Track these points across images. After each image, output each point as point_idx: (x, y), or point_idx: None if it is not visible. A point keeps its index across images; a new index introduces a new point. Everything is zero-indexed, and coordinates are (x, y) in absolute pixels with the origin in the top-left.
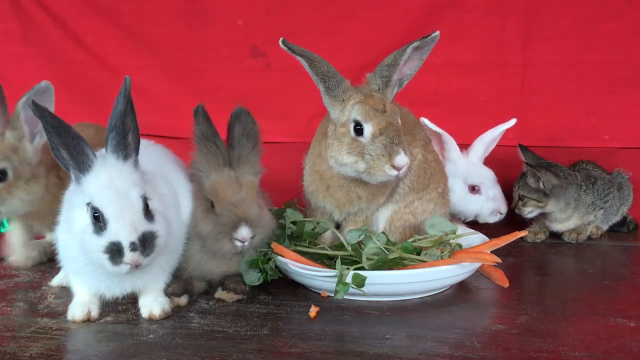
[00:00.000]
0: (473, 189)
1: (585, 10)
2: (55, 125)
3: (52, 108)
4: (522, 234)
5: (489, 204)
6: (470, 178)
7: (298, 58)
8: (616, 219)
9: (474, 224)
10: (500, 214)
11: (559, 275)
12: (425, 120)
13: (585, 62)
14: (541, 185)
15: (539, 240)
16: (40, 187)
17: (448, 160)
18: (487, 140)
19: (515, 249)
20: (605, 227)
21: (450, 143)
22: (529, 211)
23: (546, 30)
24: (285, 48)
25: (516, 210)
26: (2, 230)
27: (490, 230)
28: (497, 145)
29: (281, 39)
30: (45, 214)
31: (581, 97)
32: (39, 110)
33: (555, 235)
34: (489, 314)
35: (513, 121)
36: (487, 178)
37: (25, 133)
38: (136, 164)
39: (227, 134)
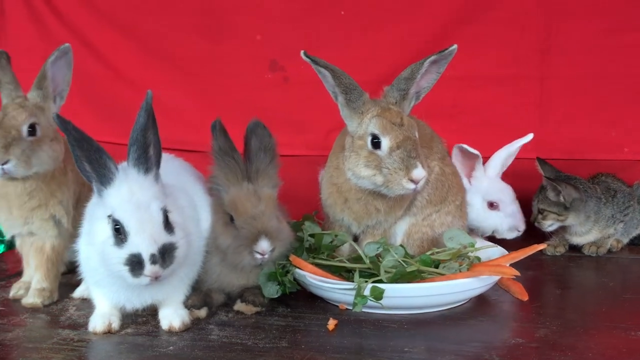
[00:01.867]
0: (492, 205)
1: (603, 22)
2: (78, 139)
3: (70, 72)
4: (541, 247)
5: (508, 220)
6: (489, 194)
7: (322, 70)
8: (637, 232)
9: (492, 238)
10: (518, 231)
11: (579, 289)
12: (464, 146)
13: (603, 75)
14: (561, 199)
15: (559, 254)
16: (61, 147)
17: (474, 178)
18: (504, 155)
19: (534, 262)
20: (625, 240)
21: (480, 162)
22: (549, 224)
23: (564, 43)
24: (309, 60)
25: (536, 224)
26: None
27: (509, 243)
28: (515, 158)
29: (302, 51)
30: (51, 179)
31: (600, 109)
32: (63, 124)
33: (576, 249)
34: (508, 327)
35: (530, 136)
36: (506, 194)
37: (49, 93)
38: (157, 177)
39: (244, 147)
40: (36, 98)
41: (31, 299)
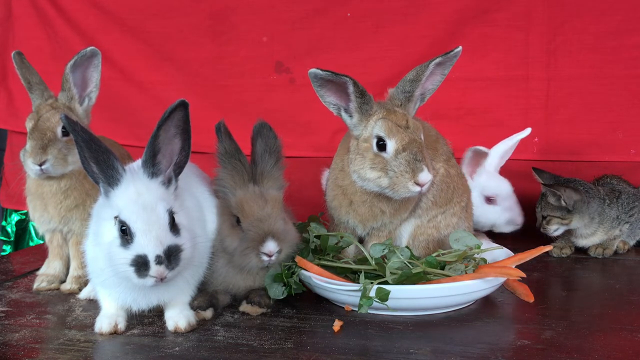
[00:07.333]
0: (489, 199)
1: (609, 24)
2: (86, 140)
3: (98, 74)
4: (547, 248)
5: (505, 214)
6: (486, 189)
7: (343, 79)
8: None
9: (498, 238)
10: (516, 224)
11: (585, 291)
12: (479, 148)
13: (610, 76)
14: (563, 203)
15: (565, 255)
16: None
17: (475, 174)
18: (502, 150)
19: (540, 264)
20: (632, 242)
21: (487, 159)
22: (554, 229)
23: (570, 44)
24: (325, 74)
25: (541, 230)
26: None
27: (515, 245)
28: (521, 159)
29: (315, 69)
30: (85, 178)
31: (606, 110)
32: (71, 124)
33: (582, 250)
34: (514, 329)
35: (528, 130)
36: (502, 189)
37: (74, 95)
38: (168, 183)
39: (250, 149)
40: (64, 99)
41: (69, 286)
